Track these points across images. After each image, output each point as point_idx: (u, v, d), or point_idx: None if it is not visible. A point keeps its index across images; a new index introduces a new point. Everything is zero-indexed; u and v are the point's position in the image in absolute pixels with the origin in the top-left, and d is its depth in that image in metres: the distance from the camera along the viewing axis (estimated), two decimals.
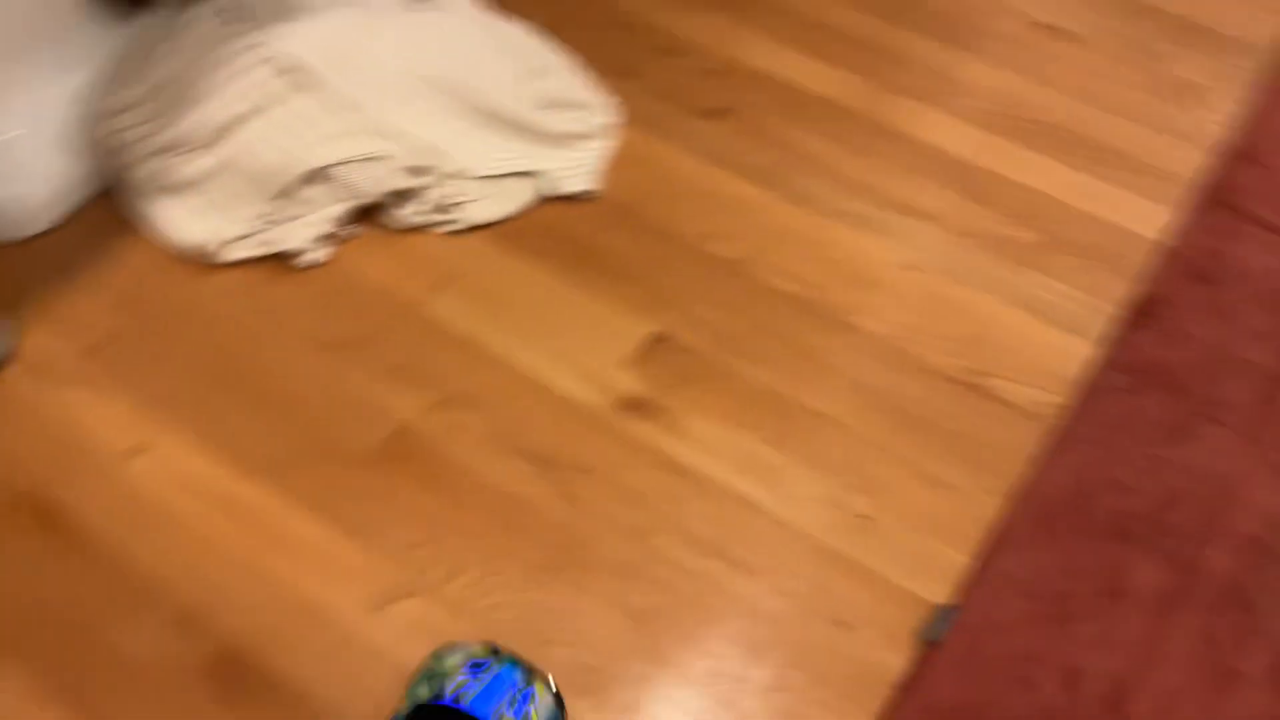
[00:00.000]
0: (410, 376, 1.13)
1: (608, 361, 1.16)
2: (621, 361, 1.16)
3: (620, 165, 1.33)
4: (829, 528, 1.05)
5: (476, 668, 0.84)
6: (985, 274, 1.25)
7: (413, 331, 1.17)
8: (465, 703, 0.80)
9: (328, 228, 1.20)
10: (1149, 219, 1.32)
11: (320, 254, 1.20)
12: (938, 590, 1.02)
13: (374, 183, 1.20)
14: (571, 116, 1.33)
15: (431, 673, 0.85)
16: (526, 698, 0.82)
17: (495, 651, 0.87)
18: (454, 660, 0.85)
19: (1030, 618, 1.00)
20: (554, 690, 0.87)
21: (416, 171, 1.23)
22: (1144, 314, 1.23)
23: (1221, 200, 1.33)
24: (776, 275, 1.24)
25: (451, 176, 1.24)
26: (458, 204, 1.24)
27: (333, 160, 1.18)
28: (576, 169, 1.29)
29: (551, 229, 1.27)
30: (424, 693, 0.83)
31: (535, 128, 1.29)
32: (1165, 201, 1.33)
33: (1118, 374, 1.17)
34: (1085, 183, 1.35)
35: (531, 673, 0.86)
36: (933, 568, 1.03)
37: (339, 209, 1.20)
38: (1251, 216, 1.31)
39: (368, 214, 1.25)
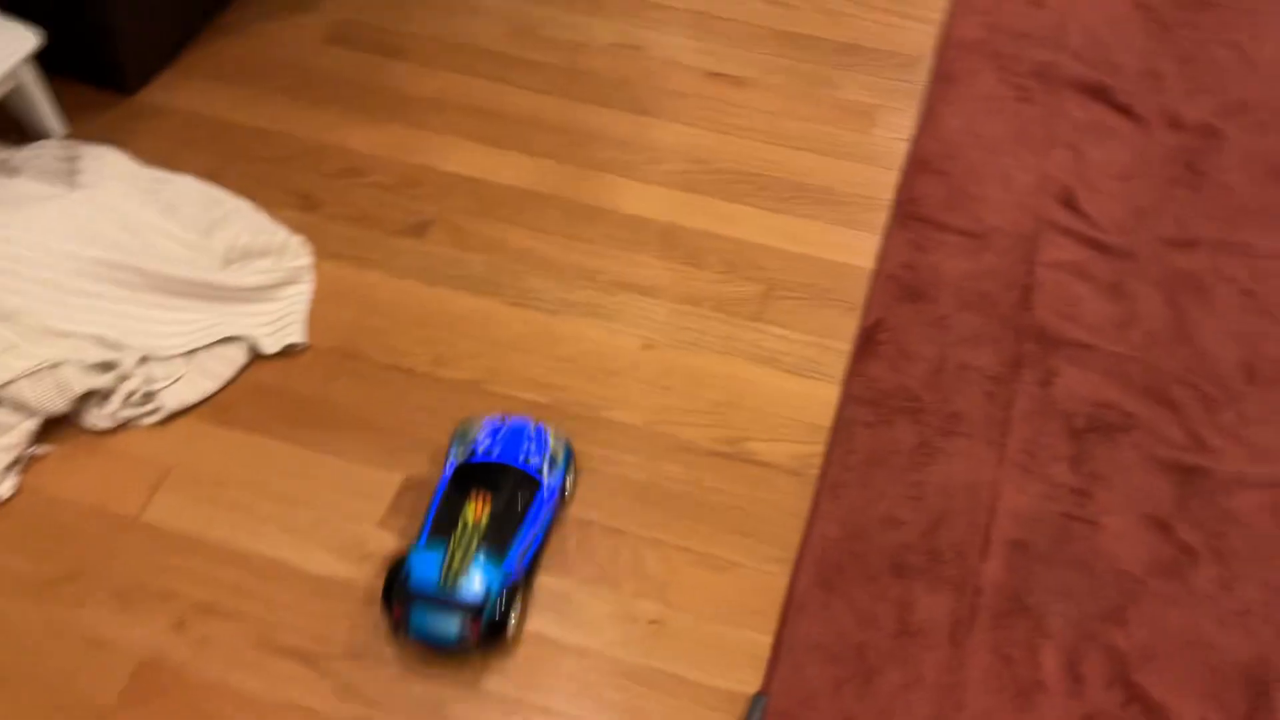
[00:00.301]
0: (142, 600, 1.02)
1: (363, 524, 1.08)
2: (379, 520, 1.09)
3: (327, 304, 1.26)
4: (626, 643, 1.02)
5: (495, 430, 1.06)
6: (718, 337, 1.26)
7: (134, 547, 1.05)
8: (494, 455, 1.02)
9: (8, 455, 1.06)
10: (857, 248, 1.36)
11: (6, 486, 1.06)
12: (748, 678, 1.00)
13: (53, 394, 1.08)
14: (261, 266, 1.24)
15: (463, 437, 1.07)
16: (541, 432, 1.07)
17: (503, 417, 1.10)
18: (474, 428, 1.07)
19: (837, 683, 1.00)
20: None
21: (101, 368, 1.11)
22: (870, 342, 1.26)
23: (911, 214, 1.40)
24: (517, 386, 1.20)
25: (142, 363, 1.13)
26: (154, 391, 1.13)
27: None
28: (279, 322, 1.21)
29: (268, 392, 1.18)
30: (460, 453, 1.04)
31: (223, 288, 1.20)
32: (867, 228, 1.38)
33: (861, 408, 1.20)
34: (789, 224, 1.38)
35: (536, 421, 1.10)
36: (737, 656, 1.02)
37: (17, 434, 1.07)
38: (939, 224, 1.38)
39: (59, 424, 1.12)
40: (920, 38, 1.64)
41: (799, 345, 1.26)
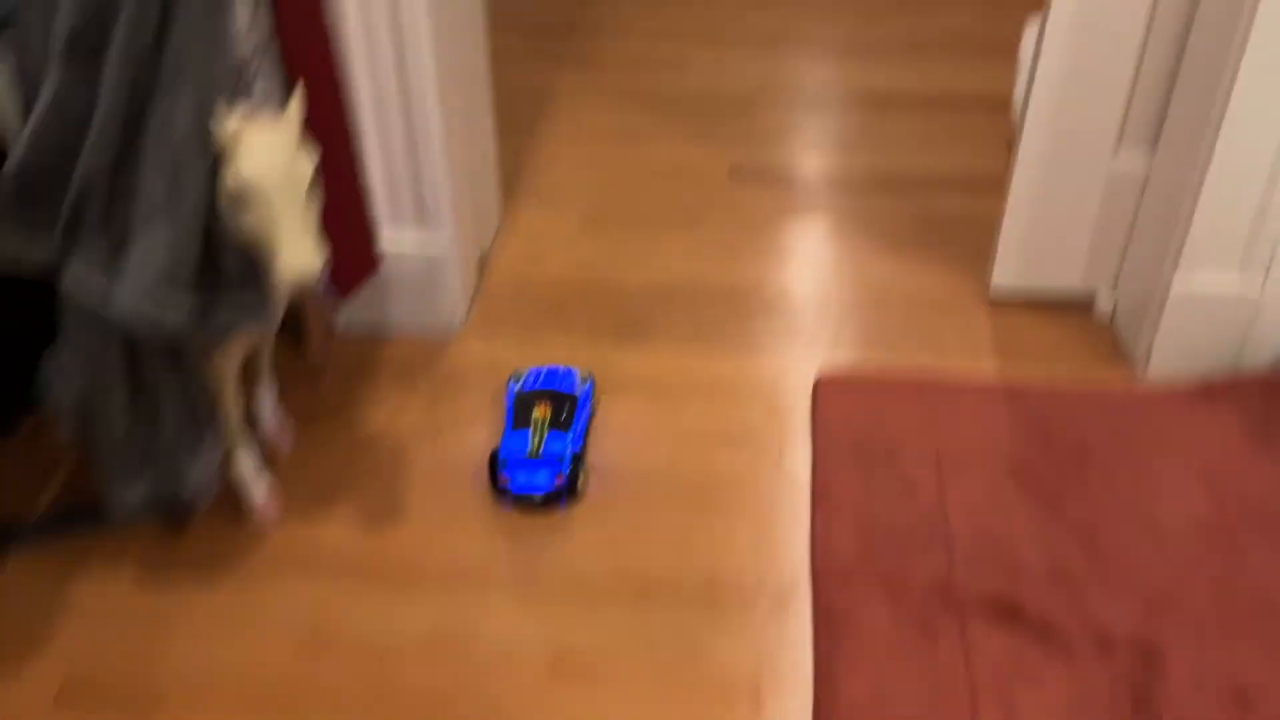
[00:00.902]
0: None
1: None
2: None
3: None
4: None
5: (537, 371, 1.50)
6: None
7: None
8: (541, 383, 1.47)
9: None
10: None
11: None
12: None
13: None
14: None
15: (516, 377, 1.49)
16: (570, 370, 1.51)
17: (541, 367, 1.53)
18: (523, 371, 1.51)
19: None
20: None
21: None
22: None
23: None
24: None
25: None
26: None
27: None
28: None
29: None
30: (516, 388, 1.47)
31: None
32: None
33: None
34: None
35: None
36: None
37: None
38: None
39: None
40: (791, 556, 1.40)
41: None
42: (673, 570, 1.37)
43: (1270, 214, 1.52)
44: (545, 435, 1.35)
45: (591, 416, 1.47)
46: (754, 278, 1.84)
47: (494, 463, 1.35)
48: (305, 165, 1.11)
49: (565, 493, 1.34)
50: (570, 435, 1.37)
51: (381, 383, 1.61)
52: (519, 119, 2.22)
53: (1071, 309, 1.78)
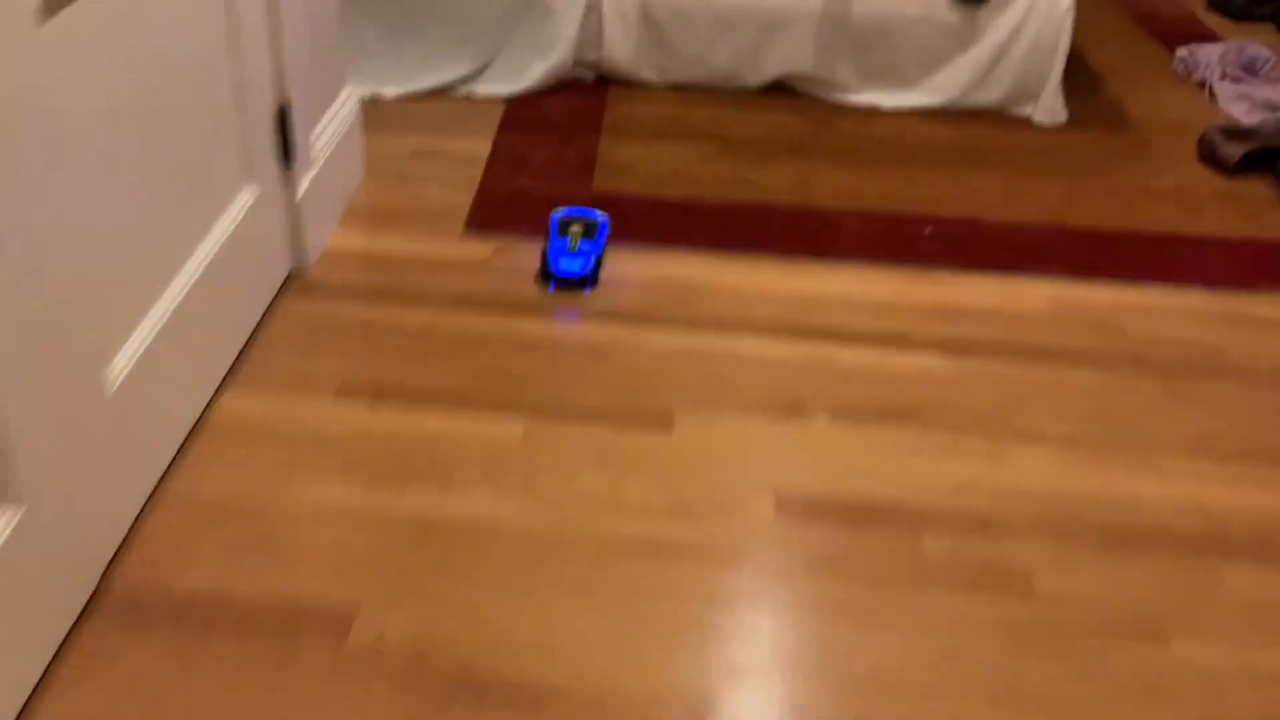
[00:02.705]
0: None
1: None
2: None
3: None
4: None
5: (571, 209, 1.95)
6: None
7: None
8: (575, 210, 1.95)
9: None
10: None
11: None
12: None
13: None
14: None
15: (555, 210, 1.93)
16: (592, 209, 1.97)
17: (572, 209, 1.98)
18: (559, 208, 1.95)
19: None
20: None
21: None
22: None
23: None
24: None
25: None
26: None
27: None
28: None
29: None
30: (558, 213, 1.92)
31: None
32: None
33: None
34: None
35: None
36: None
37: None
38: None
39: None
40: None
41: None
42: None
43: None
44: (580, 240, 1.84)
45: (607, 235, 1.92)
46: None
47: (544, 258, 1.82)
48: None
49: (592, 278, 1.81)
50: (597, 244, 1.85)
51: None
52: None
53: None
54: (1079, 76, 2.52)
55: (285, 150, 1.63)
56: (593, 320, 1.71)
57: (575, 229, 1.84)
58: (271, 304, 1.66)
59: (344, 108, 1.91)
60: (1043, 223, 2.03)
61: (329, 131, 1.83)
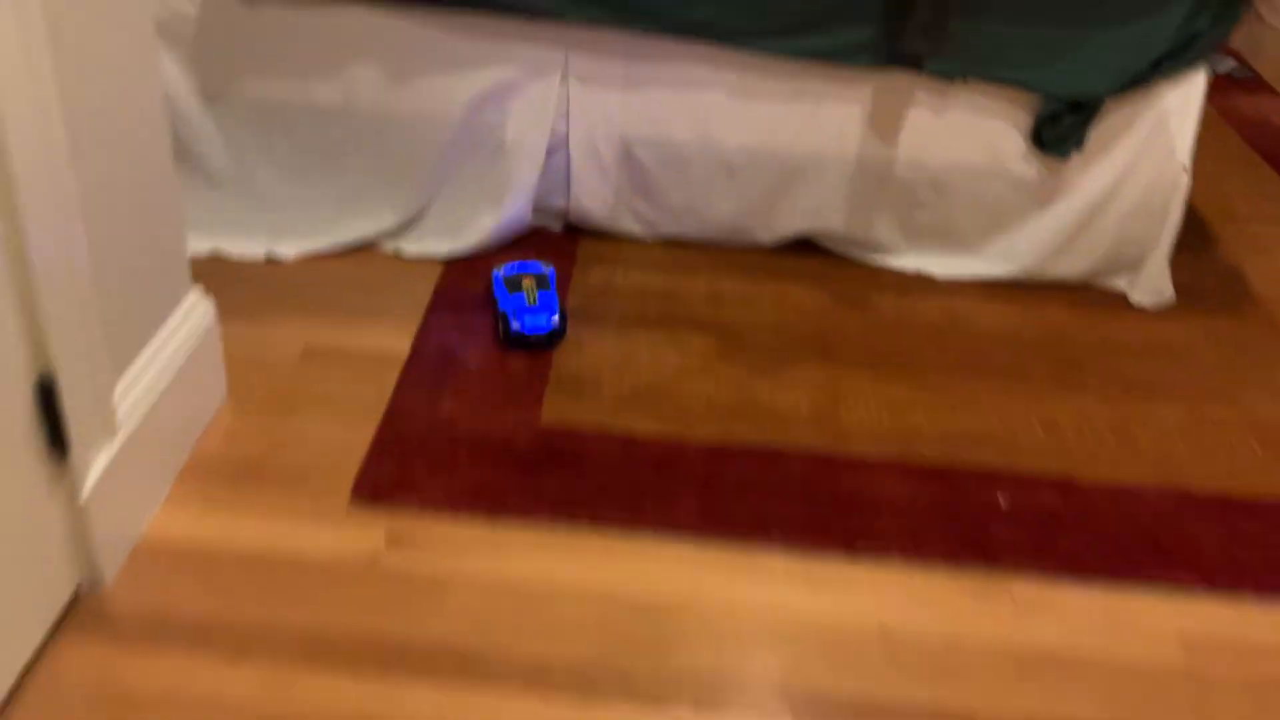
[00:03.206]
0: None
1: None
2: None
3: None
4: None
5: (513, 264, 1.77)
6: None
7: None
8: (517, 268, 1.75)
9: None
10: None
11: None
12: None
13: None
14: None
15: (498, 267, 1.75)
16: (537, 263, 1.80)
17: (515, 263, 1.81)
18: (501, 264, 1.78)
19: None
20: None
21: None
22: None
23: None
24: None
25: None
26: None
27: None
28: None
29: None
30: (500, 272, 1.74)
31: None
32: None
33: None
34: None
35: None
36: None
37: None
38: None
39: None
40: None
41: None
42: None
43: None
44: (539, 293, 1.66)
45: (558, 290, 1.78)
46: None
47: (500, 317, 1.64)
48: None
49: (558, 334, 1.64)
50: (554, 298, 1.67)
51: None
52: None
53: None
54: (1185, 227, 1.95)
55: (55, 434, 1.10)
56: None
57: (528, 283, 1.69)
58: (41, 651, 1.13)
59: (189, 319, 1.37)
60: (1159, 485, 1.47)
61: (157, 364, 1.29)
